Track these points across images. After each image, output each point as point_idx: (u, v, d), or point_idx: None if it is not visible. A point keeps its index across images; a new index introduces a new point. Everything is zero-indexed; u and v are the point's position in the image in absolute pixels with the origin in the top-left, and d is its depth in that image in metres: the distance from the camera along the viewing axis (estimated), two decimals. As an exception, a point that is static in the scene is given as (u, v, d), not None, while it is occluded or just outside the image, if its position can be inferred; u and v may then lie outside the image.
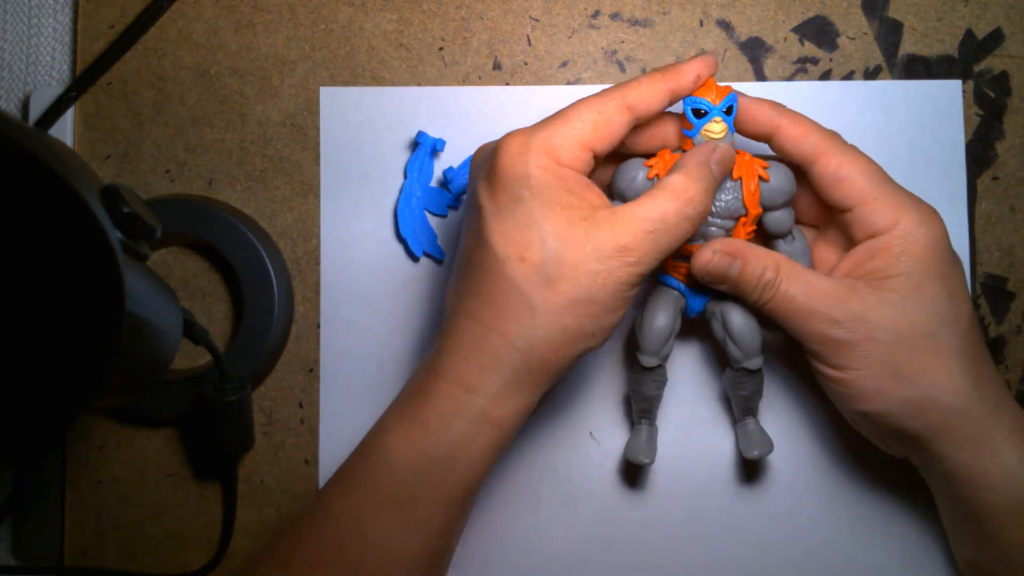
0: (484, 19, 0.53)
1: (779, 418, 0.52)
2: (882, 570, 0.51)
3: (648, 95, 0.44)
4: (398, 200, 0.52)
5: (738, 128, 0.46)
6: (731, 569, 0.51)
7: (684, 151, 0.45)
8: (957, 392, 0.43)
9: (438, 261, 0.52)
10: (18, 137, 0.32)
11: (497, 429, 0.43)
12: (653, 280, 0.48)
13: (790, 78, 0.53)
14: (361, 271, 0.52)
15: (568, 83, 0.53)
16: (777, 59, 0.53)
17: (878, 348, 0.43)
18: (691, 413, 0.52)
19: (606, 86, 0.52)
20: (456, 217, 0.53)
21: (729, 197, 0.46)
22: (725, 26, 0.53)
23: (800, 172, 0.46)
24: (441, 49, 0.53)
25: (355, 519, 0.43)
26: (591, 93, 0.44)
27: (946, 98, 0.52)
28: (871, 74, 0.52)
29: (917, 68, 0.52)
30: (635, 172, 0.46)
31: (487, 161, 0.43)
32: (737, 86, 0.52)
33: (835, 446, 0.51)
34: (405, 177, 0.52)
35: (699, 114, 0.45)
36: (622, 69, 0.53)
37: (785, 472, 0.51)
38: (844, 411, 0.47)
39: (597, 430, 0.52)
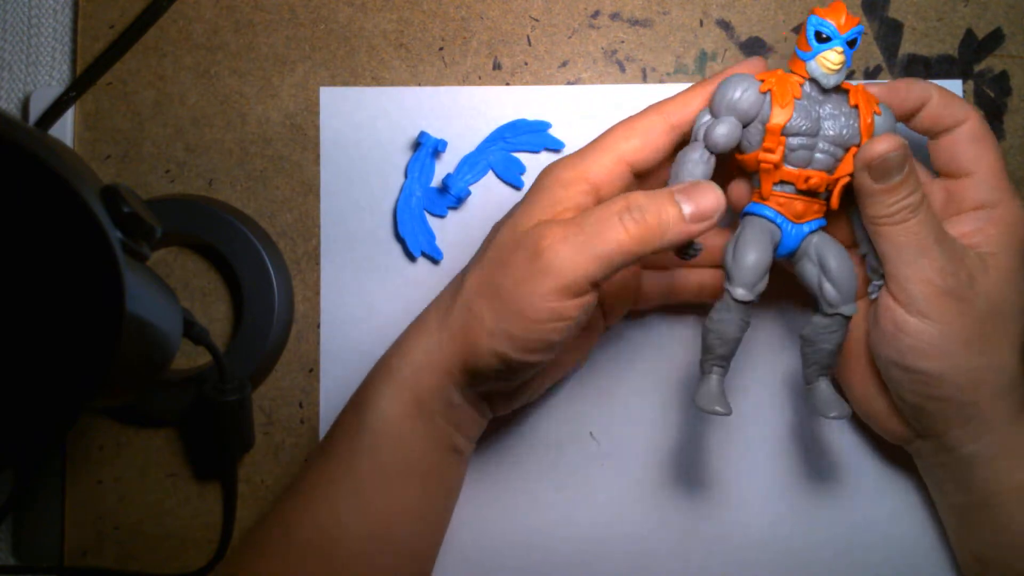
0: (484, 19, 0.53)
1: (781, 418, 0.52)
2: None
3: (688, 107, 0.44)
4: (398, 200, 0.52)
5: (893, 107, 0.45)
6: (731, 569, 0.51)
7: (795, 73, 0.43)
8: (1013, 375, 0.44)
9: (436, 262, 0.52)
10: (18, 137, 0.32)
11: (417, 402, 0.44)
12: (743, 216, 0.45)
13: (790, 78, 0.53)
14: (361, 271, 0.52)
15: (568, 83, 0.53)
16: (777, 59, 0.53)
17: (971, 311, 0.43)
18: (693, 411, 0.52)
19: (606, 86, 0.53)
20: (456, 217, 0.53)
21: (847, 124, 0.43)
22: (725, 26, 0.53)
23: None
24: (441, 49, 0.53)
25: (308, 498, 0.45)
26: (601, 97, 0.45)
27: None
28: (871, 74, 0.52)
29: (917, 68, 0.52)
30: (744, 84, 0.43)
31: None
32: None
33: (836, 448, 0.51)
34: (406, 177, 0.52)
35: (821, 38, 0.42)
36: (622, 69, 0.53)
37: (786, 472, 0.51)
38: (891, 366, 0.44)
39: (597, 430, 0.52)
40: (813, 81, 0.43)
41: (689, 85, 0.45)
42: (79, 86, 0.53)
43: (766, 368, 0.52)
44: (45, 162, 0.32)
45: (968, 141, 0.45)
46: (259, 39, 0.53)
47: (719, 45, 0.53)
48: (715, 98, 0.43)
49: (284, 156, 0.53)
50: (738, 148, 0.44)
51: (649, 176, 0.45)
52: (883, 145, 0.42)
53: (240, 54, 0.53)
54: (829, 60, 0.42)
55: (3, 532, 0.53)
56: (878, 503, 0.51)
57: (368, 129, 0.53)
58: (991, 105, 0.52)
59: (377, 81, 0.53)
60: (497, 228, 0.45)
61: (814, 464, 0.51)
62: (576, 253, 0.40)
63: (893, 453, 0.51)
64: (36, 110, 0.53)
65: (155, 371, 0.41)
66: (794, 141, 0.43)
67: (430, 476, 0.46)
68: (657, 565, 0.51)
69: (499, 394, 0.47)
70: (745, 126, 0.43)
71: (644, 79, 0.53)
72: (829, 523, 0.51)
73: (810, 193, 0.44)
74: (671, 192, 0.42)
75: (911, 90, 0.45)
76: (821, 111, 0.43)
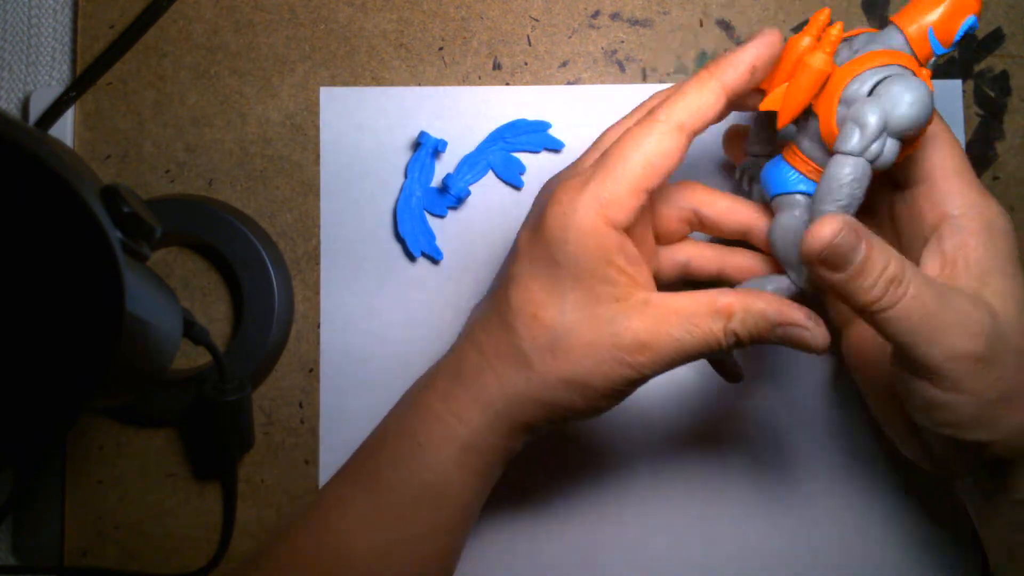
0: (484, 19, 0.53)
1: (779, 419, 0.52)
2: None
3: (702, 107, 0.39)
4: (398, 200, 0.52)
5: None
6: (732, 570, 0.51)
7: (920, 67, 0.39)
8: None
9: (435, 262, 0.52)
10: (18, 137, 0.32)
11: (481, 459, 0.43)
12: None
13: (790, 78, 0.53)
14: (361, 271, 0.52)
15: (568, 83, 0.53)
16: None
17: (1005, 370, 0.37)
18: (693, 412, 0.52)
19: (606, 86, 0.52)
20: (456, 218, 0.53)
21: None
22: (725, 26, 0.53)
23: None
24: (441, 49, 0.53)
25: (351, 534, 0.43)
26: (601, 97, 0.42)
27: (946, 98, 0.52)
28: (871, 74, 0.52)
29: (917, 68, 0.52)
30: (930, 106, 0.37)
31: (538, 207, 0.41)
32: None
33: (837, 451, 0.51)
34: (405, 177, 0.52)
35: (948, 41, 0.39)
36: (622, 69, 0.53)
37: (787, 473, 0.51)
38: (932, 435, 0.41)
39: (597, 430, 0.52)
40: None
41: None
42: (79, 86, 0.53)
43: (767, 369, 0.52)
44: (45, 162, 0.32)
45: (921, 146, 0.40)
46: (259, 39, 0.53)
47: (719, 45, 0.53)
48: (897, 112, 0.38)
49: (284, 156, 0.53)
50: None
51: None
52: (820, 235, 0.36)
53: (240, 54, 0.53)
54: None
55: (3, 532, 0.53)
56: (879, 504, 0.51)
57: (368, 129, 0.53)
58: (991, 105, 0.52)
59: (377, 81, 0.53)
60: (542, 298, 0.40)
61: (815, 464, 0.51)
62: (674, 359, 0.39)
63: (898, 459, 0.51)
64: (36, 110, 0.53)
65: (155, 371, 0.41)
66: None
67: (473, 516, 0.45)
68: (657, 565, 0.51)
69: None
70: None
71: (644, 79, 0.53)
72: (831, 524, 0.51)
73: None
74: (764, 311, 0.39)
75: None
76: None
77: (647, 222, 0.44)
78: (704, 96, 0.39)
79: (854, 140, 0.38)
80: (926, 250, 0.41)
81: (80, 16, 0.54)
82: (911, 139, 0.39)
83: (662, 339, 0.39)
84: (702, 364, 0.52)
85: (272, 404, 0.52)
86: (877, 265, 0.36)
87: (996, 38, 0.53)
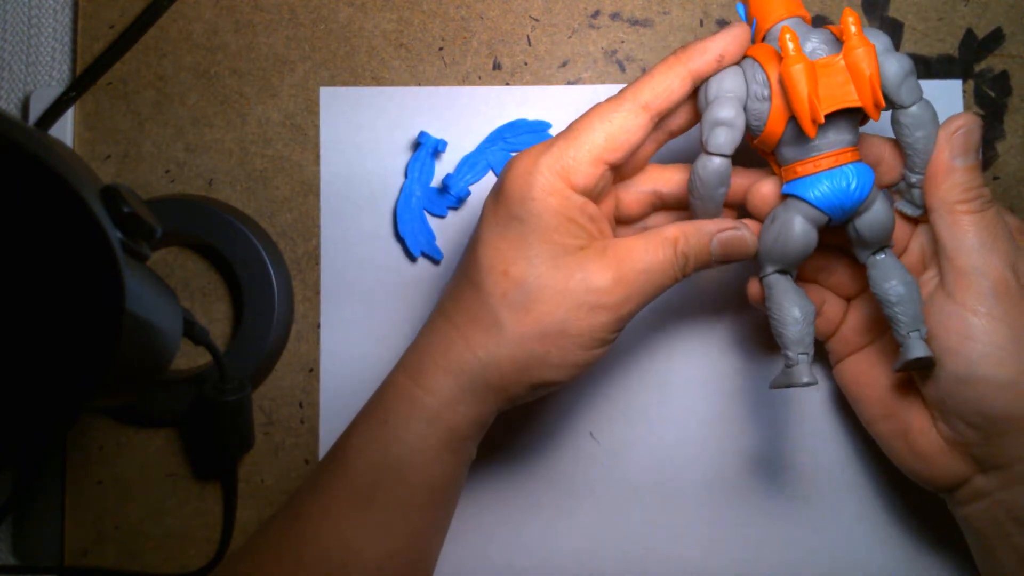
0: (484, 19, 0.53)
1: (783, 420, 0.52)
2: None
3: (666, 90, 0.41)
4: (398, 200, 0.52)
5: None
6: (732, 570, 0.51)
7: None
8: None
9: (435, 262, 0.52)
10: (18, 137, 0.32)
11: (451, 433, 0.43)
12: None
13: (790, 78, 0.53)
14: (361, 271, 0.52)
15: (568, 83, 0.53)
16: (777, 59, 0.53)
17: None
18: (693, 411, 0.52)
19: (606, 86, 0.52)
20: (456, 218, 0.53)
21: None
22: (725, 26, 0.53)
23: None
24: (441, 49, 0.53)
25: (322, 519, 0.44)
26: (601, 97, 0.43)
27: (946, 98, 0.52)
28: (871, 74, 0.52)
29: (917, 68, 0.52)
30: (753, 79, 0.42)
31: (500, 176, 0.43)
32: (737, 86, 0.52)
33: (837, 448, 0.51)
34: (406, 177, 0.52)
35: None
36: (622, 69, 0.53)
37: (787, 474, 0.51)
38: (958, 384, 0.41)
39: (597, 430, 0.52)
40: None
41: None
42: (79, 86, 0.53)
43: (770, 368, 0.52)
44: (45, 162, 0.32)
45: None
46: (259, 39, 0.53)
47: (719, 45, 0.53)
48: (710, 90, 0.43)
49: (284, 156, 0.53)
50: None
51: (623, 165, 0.44)
52: (961, 119, 0.42)
53: (240, 54, 0.53)
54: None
55: (3, 532, 0.53)
56: (881, 503, 0.51)
57: (368, 129, 0.53)
58: (991, 105, 0.52)
59: (377, 81, 0.53)
60: (511, 255, 0.41)
61: (817, 463, 0.51)
62: (639, 296, 0.42)
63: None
64: (36, 110, 0.53)
65: (155, 371, 0.41)
66: None
67: (449, 494, 0.45)
68: (657, 565, 0.51)
69: None
70: None
71: (644, 79, 0.53)
72: (833, 526, 0.51)
73: None
74: (711, 234, 0.43)
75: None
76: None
77: (609, 206, 0.45)
78: (670, 80, 0.42)
79: (918, 87, 0.42)
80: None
81: (80, 16, 0.54)
82: None
83: (627, 274, 0.41)
84: (702, 370, 0.52)
85: (272, 404, 0.52)
86: (981, 175, 0.42)
87: (996, 38, 0.53)
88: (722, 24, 0.53)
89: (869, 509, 0.51)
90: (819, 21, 0.53)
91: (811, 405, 0.52)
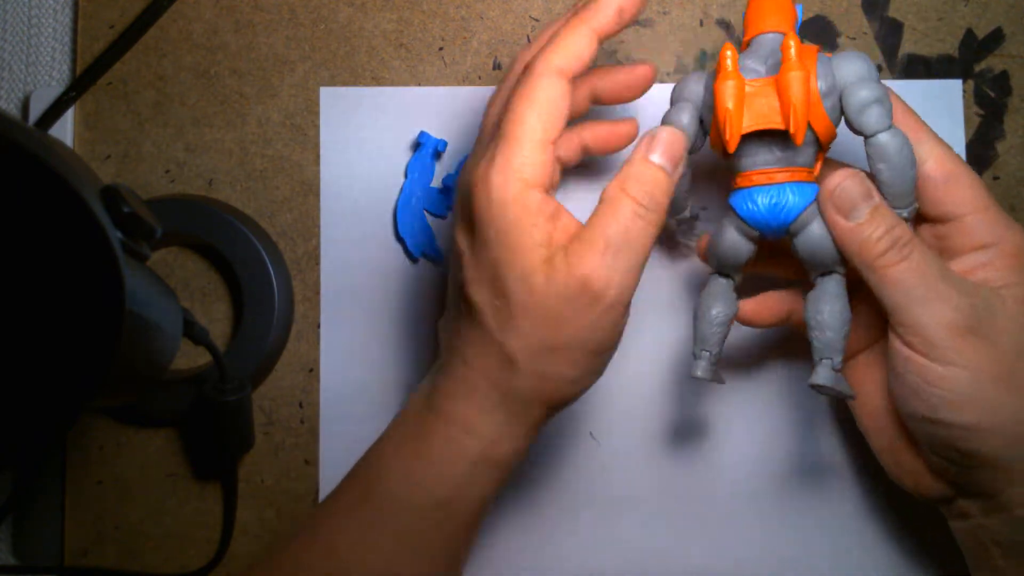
0: (484, 19, 0.53)
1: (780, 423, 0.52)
2: None
3: (575, 51, 0.41)
4: (398, 200, 0.52)
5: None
6: (733, 570, 0.51)
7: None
8: None
9: (436, 262, 0.52)
10: (18, 137, 0.32)
11: (497, 469, 0.42)
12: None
13: (790, 78, 0.53)
14: (361, 271, 0.52)
15: (568, 83, 0.53)
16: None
17: (998, 349, 0.39)
18: (694, 412, 0.52)
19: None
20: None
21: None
22: (725, 26, 0.53)
23: None
24: (441, 49, 0.53)
25: (357, 552, 0.43)
26: (501, 89, 0.43)
27: (946, 98, 0.52)
28: (871, 74, 0.52)
29: (917, 68, 0.52)
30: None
31: (463, 199, 0.42)
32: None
33: (838, 448, 0.52)
34: (406, 177, 0.52)
35: None
36: (622, 69, 0.53)
37: (789, 475, 0.51)
38: (924, 423, 0.41)
39: (597, 430, 0.52)
40: None
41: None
42: (79, 86, 0.53)
43: (770, 369, 0.52)
44: (45, 162, 0.32)
45: (942, 183, 0.42)
46: (259, 39, 0.53)
47: (719, 45, 0.53)
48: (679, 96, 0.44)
49: (284, 156, 0.53)
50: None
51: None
52: (835, 176, 0.40)
53: (240, 54, 0.53)
54: None
55: (3, 532, 0.53)
56: (883, 504, 0.51)
57: (368, 129, 0.53)
58: (991, 105, 0.52)
59: (377, 81, 0.53)
60: (492, 285, 0.40)
61: (816, 464, 0.51)
62: (624, 273, 0.39)
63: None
64: (36, 110, 0.53)
65: (155, 371, 0.41)
66: None
67: (480, 523, 0.45)
68: (658, 565, 0.51)
69: None
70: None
71: (644, 79, 0.53)
72: (832, 523, 0.51)
73: None
74: (645, 158, 0.41)
75: None
76: None
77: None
78: (577, 41, 0.41)
79: (881, 117, 0.41)
80: (951, 263, 0.42)
81: (80, 16, 0.54)
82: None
83: (598, 263, 0.39)
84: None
85: (272, 404, 0.52)
86: (885, 221, 0.40)
87: (996, 38, 0.53)
88: (722, 24, 0.53)
89: (873, 510, 0.51)
90: (819, 21, 0.53)
91: (813, 407, 0.52)
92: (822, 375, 0.41)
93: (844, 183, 0.40)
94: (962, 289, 0.40)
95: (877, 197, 0.40)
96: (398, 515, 0.43)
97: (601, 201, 0.40)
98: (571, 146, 0.46)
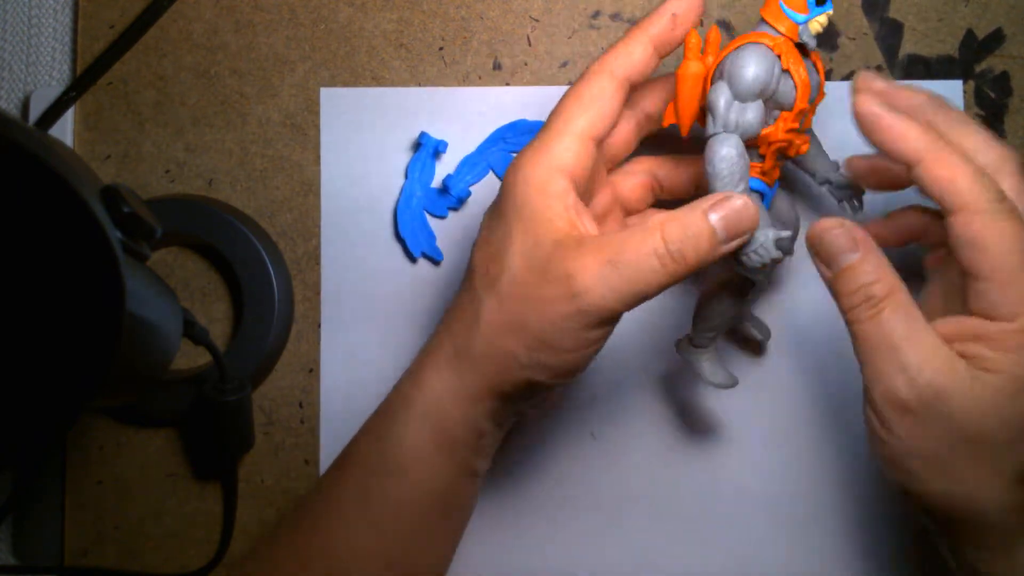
0: (484, 19, 0.53)
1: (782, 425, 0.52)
2: None
3: (631, 57, 0.42)
4: (398, 200, 0.52)
5: (876, 145, 0.40)
6: (733, 568, 0.51)
7: (787, 39, 0.41)
8: (1002, 509, 0.38)
9: (436, 262, 0.52)
10: (18, 137, 0.32)
11: (443, 433, 0.42)
12: None
13: (790, 78, 0.53)
14: (361, 272, 0.52)
15: (568, 83, 0.53)
16: (777, 59, 0.53)
17: (934, 434, 0.38)
18: (695, 412, 0.52)
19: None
20: (456, 218, 0.53)
21: (816, 81, 0.42)
22: (725, 26, 0.53)
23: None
24: (441, 49, 0.53)
25: (324, 521, 0.44)
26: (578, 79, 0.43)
27: (947, 98, 0.52)
28: (871, 74, 0.52)
29: (917, 68, 0.52)
30: (767, 65, 0.40)
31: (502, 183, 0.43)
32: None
33: (840, 449, 0.52)
34: (406, 177, 0.52)
35: (820, 1, 0.40)
36: (622, 69, 0.53)
37: (788, 475, 0.51)
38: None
39: (597, 430, 0.52)
40: (798, 44, 0.41)
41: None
42: (79, 86, 0.53)
43: (772, 366, 0.52)
44: (45, 162, 0.32)
45: (968, 246, 0.38)
46: (259, 39, 0.53)
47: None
48: (736, 78, 0.40)
49: (284, 156, 0.53)
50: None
51: (608, 136, 0.43)
52: (819, 225, 0.39)
53: (240, 54, 0.53)
54: (820, 23, 0.41)
55: (3, 532, 0.53)
56: (885, 506, 0.51)
57: (368, 130, 0.53)
58: (991, 106, 0.52)
59: (377, 81, 0.53)
60: (494, 251, 0.41)
61: (817, 464, 0.51)
62: (612, 291, 0.38)
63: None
64: (36, 110, 0.53)
65: (155, 371, 0.41)
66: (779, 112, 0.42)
67: (449, 503, 0.45)
68: (658, 565, 0.51)
69: (525, 410, 0.46)
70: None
71: (644, 79, 0.53)
72: (832, 523, 0.51)
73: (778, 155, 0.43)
74: (703, 212, 0.39)
75: (900, 146, 0.39)
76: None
77: (606, 198, 0.45)
78: (632, 47, 0.42)
79: (709, 124, 0.41)
80: (953, 323, 0.40)
81: (80, 16, 0.54)
82: (776, 101, 0.41)
83: (590, 266, 0.38)
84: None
85: (272, 404, 0.52)
86: (861, 278, 0.38)
87: (996, 38, 0.53)
88: (722, 25, 0.53)
89: (875, 511, 0.51)
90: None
91: (819, 406, 0.52)
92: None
93: (830, 233, 0.39)
94: (929, 361, 0.37)
95: (860, 250, 0.39)
96: (356, 480, 0.44)
97: (638, 223, 0.41)
98: (637, 182, 0.47)
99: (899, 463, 0.39)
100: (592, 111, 0.41)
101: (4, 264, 0.33)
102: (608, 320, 0.39)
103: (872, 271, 0.38)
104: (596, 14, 0.53)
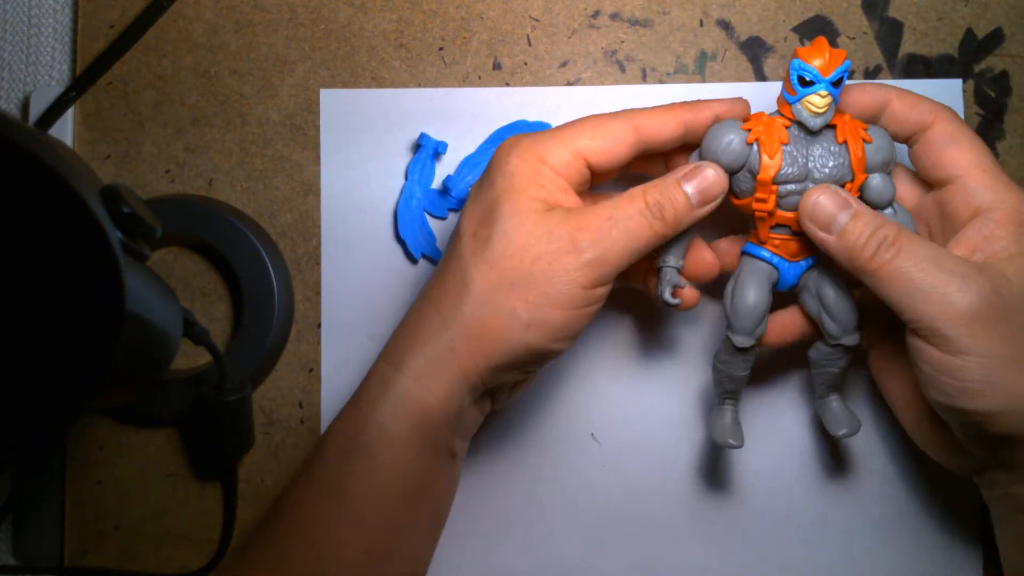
0: (484, 19, 0.53)
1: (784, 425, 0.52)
2: None
3: (659, 122, 0.44)
4: (398, 201, 0.52)
5: (844, 109, 0.44)
6: (733, 570, 0.51)
7: (782, 115, 0.43)
8: None
9: (436, 263, 0.52)
10: (18, 137, 0.32)
11: (422, 415, 0.42)
12: (742, 256, 0.46)
13: (790, 78, 0.53)
14: (361, 272, 0.52)
15: (568, 83, 0.53)
16: (777, 59, 0.53)
17: (1009, 330, 0.38)
18: (696, 412, 0.52)
19: (606, 87, 0.53)
20: (456, 219, 0.53)
21: (836, 163, 0.43)
22: (725, 26, 0.53)
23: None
24: (441, 49, 0.53)
25: (298, 513, 0.44)
26: (601, 99, 0.46)
27: (946, 98, 0.52)
28: (871, 74, 0.52)
29: (917, 68, 0.52)
30: (730, 135, 0.43)
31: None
32: (737, 87, 0.52)
33: (841, 449, 0.52)
34: (406, 178, 0.52)
35: (804, 82, 0.42)
36: (622, 69, 0.53)
37: (789, 476, 0.51)
38: (944, 409, 0.41)
39: (597, 430, 0.52)
40: (800, 123, 0.43)
41: (682, 89, 0.49)
42: (79, 86, 0.53)
43: (775, 370, 0.52)
44: (45, 162, 0.32)
45: (942, 144, 0.43)
46: (259, 39, 0.53)
47: (719, 45, 0.53)
48: (704, 145, 0.44)
49: (284, 156, 0.53)
50: (732, 192, 0.44)
51: (601, 176, 0.45)
52: (810, 197, 0.42)
53: (240, 54, 0.53)
54: (813, 104, 0.42)
55: (3, 532, 0.53)
56: (885, 508, 0.51)
57: (368, 131, 0.53)
58: (991, 105, 0.52)
59: (377, 81, 0.53)
60: (482, 215, 0.43)
61: (819, 464, 0.51)
62: (612, 245, 0.41)
63: (902, 462, 0.51)
64: (36, 110, 0.53)
65: (155, 371, 0.41)
66: (784, 188, 0.43)
67: (429, 487, 0.44)
68: (658, 565, 0.51)
69: (506, 387, 0.46)
70: (734, 174, 0.44)
71: (644, 79, 0.53)
72: (833, 525, 0.51)
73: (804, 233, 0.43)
74: (676, 180, 0.43)
75: (864, 95, 0.44)
76: (810, 153, 0.43)
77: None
78: (666, 119, 0.44)
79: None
80: (953, 240, 0.42)
81: (80, 16, 0.54)
82: (752, 172, 0.43)
83: (593, 222, 0.41)
84: (705, 371, 0.52)
85: (272, 404, 0.52)
86: (867, 227, 0.40)
87: (996, 38, 0.53)
88: (722, 24, 0.53)
89: (876, 512, 0.51)
90: (819, 21, 0.53)
91: (815, 410, 0.52)
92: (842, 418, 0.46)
93: (817, 199, 0.41)
94: (964, 273, 0.39)
95: (855, 204, 0.41)
96: (327, 473, 0.43)
97: (633, 197, 0.42)
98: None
99: (980, 388, 0.38)
100: (598, 141, 0.43)
101: (4, 264, 0.33)
102: (608, 277, 0.42)
103: (873, 219, 0.41)
104: (596, 14, 0.53)
